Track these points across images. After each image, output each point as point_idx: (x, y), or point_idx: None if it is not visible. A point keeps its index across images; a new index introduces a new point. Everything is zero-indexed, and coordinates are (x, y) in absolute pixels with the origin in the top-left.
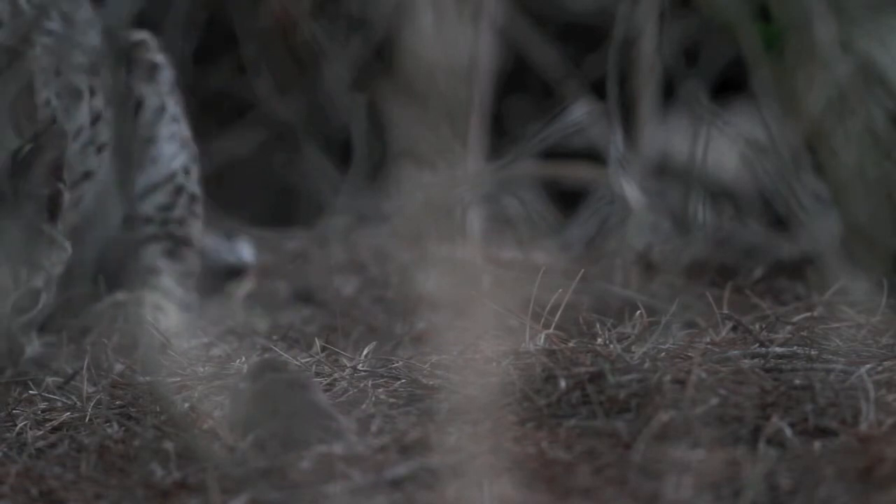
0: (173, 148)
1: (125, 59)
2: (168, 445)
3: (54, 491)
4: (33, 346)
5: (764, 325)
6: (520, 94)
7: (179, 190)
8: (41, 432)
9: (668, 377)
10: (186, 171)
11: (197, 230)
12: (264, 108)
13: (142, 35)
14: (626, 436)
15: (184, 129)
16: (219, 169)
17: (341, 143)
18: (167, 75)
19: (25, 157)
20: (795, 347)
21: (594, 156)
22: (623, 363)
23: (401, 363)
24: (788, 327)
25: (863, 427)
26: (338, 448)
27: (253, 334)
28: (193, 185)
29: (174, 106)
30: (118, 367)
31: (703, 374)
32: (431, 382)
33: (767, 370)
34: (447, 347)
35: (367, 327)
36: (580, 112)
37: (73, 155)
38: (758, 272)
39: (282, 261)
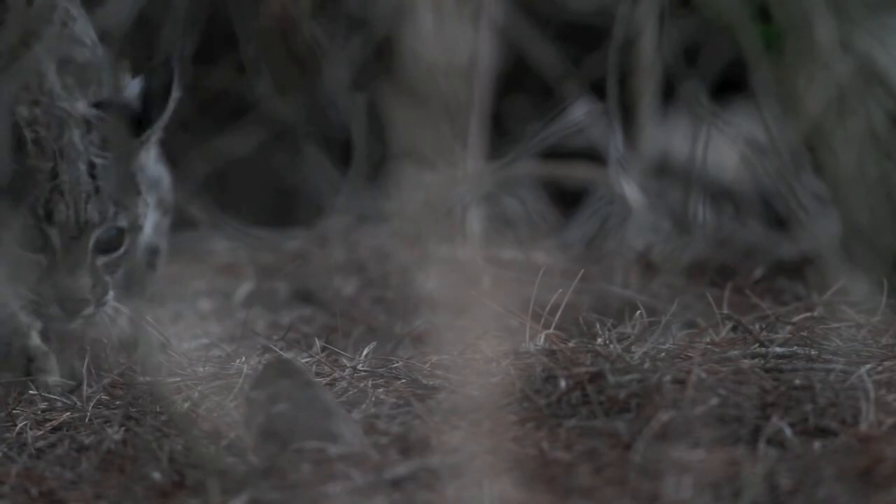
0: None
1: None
2: (168, 445)
3: (54, 491)
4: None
5: (764, 325)
6: (520, 94)
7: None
8: (41, 432)
9: (668, 377)
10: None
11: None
12: (264, 108)
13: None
14: (626, 436)
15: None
16: (219, 169)
17: (341, 143)
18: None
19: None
20: (795, 347)
21: (594, 156)
22: (623, 363)
23: (401, 363)
24: (788, 327)
25: (863, 427)
26: (337, 448)
27: (253, 334)
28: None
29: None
30: (118, 367)
31: (703, 374)
32: (431, 382)
33: (767, 370)
34: (447, 347)
35: (367, 327)
36: (580, 112)
37: None
38: (758, 272)
39: (282, 261)
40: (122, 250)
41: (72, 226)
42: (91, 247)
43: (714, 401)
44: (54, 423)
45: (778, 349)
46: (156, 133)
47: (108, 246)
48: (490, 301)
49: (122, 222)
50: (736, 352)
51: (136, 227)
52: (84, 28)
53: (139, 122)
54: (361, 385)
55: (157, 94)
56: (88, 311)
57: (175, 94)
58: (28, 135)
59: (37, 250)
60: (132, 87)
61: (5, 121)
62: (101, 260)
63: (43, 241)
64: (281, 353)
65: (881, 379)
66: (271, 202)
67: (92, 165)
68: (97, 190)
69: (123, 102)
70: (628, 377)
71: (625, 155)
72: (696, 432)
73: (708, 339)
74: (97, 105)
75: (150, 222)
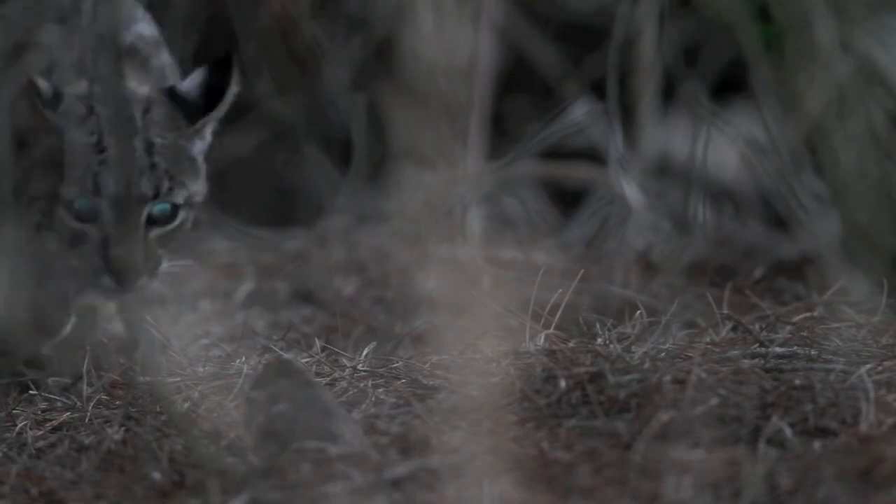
0: None
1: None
2: (168, 445)
3: (54, 491)
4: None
5: (764, 325)
6: (520, 94)
7: None
8: (41, 432)
9: (668, 377)
10: None
11: None
12: (264, 108)
13: None
14: (626, 436)
15: None
16: (219, 169)
17: (341, 143)
18: None
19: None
20: (795, 347)
21: (594, 156)
22: (623, 363)
23: (401, 363)
24: (788, 327)
25: (863, 427)
26: (337, 448)
27: (253, 334)
28: None
29: None
30: (118, 367)
31: (703, 374)
32: (431, 382)
33: (767, 370)
34: (447, 347)
35: (367, 327)
36: (580, 112)
37: None
38: (758, 272)
39: (282, 261)
40: (175, 223)
41: (122, 199)
42: (143, 220)
43: (714, 401)
44: (54, 423)
45: (778, 349)
46: (210, 123)
47: (161, 219)
48: (490, 301)
49: (178, 198)
50: (736, 352)
51: (191, 204)
52: (139, 15)
53: (195, 111)
54: (361, 385)
55: (216, 88)
56: (141, 283)
57: (233, 88)
58: (79, 109)
59: (86, 221)
60: (193, 78)
61: (5, 117)
62: (155, 232)
63: (94, 213)
64: (281, 353)
65: (881, 379)
66: (271, 202)
67: (149, 143)
68: (153, 166)
69: (184, 90)
70: (628, 377)
71: (625, 155)
72: (696, 432)
73: (708, 339)
74: (160, 90)
75: None
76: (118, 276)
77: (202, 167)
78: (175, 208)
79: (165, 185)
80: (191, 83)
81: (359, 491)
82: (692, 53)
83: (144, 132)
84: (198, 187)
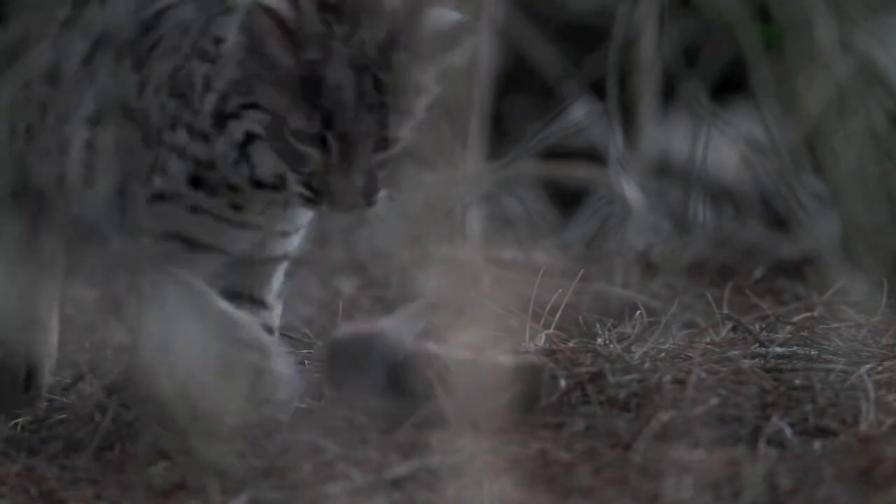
0: None
1: None
2: (168, 446)
3: (54, 491)
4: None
5: (764, 325)
6: (520, 94)
7: None
8: (41, 432)
9: (668, 377)
10: None
11: None
12: None
13: None
14: (626, 436)
15: None
16: None
17: None
18: None
19: None
20: (795, 347)
21: (594, 156)
22: (623, 363)
23: None
24: (788, 327)
25: (863, 427)
26: (338, 448)
27: None
28: None
29: None
30: (118, 367)
31: (703, 374)
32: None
33: (767, 370)
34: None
35: None
36: (580, 112)
37: None
38: (758, 272)
39: None
40: (395, 149)
41: (351, 136)
42: (367, 152)
43: (714, 401)
44: (54, 422)
45: (778, 349)
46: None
47: (383, 147)
48: (490, 301)
49: (403, 132)
50: (736, 352)
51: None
52: None
53: (431, 42)
54: None
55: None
56: (357, 211)
57: (477, 30)
58: (315, 27)
59: (310, 146)
60: (446, 15)
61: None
62: (376, 159)
63: (321, 142)
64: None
65: (881, 379)
66: None
67: (377, 79)
68: (381, 105)
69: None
70: (628, 377)
71: (625, 155)
72: (696, 432)
73: (708, 339)
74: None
75: None
76: (336, 204)
77: (428, 93)
78: (398, 139)
79: (393, 121)
80: (441, 17)
81: (359, 491)
82: (692, 53)
83: (374, 67)
84: (422, 111)
